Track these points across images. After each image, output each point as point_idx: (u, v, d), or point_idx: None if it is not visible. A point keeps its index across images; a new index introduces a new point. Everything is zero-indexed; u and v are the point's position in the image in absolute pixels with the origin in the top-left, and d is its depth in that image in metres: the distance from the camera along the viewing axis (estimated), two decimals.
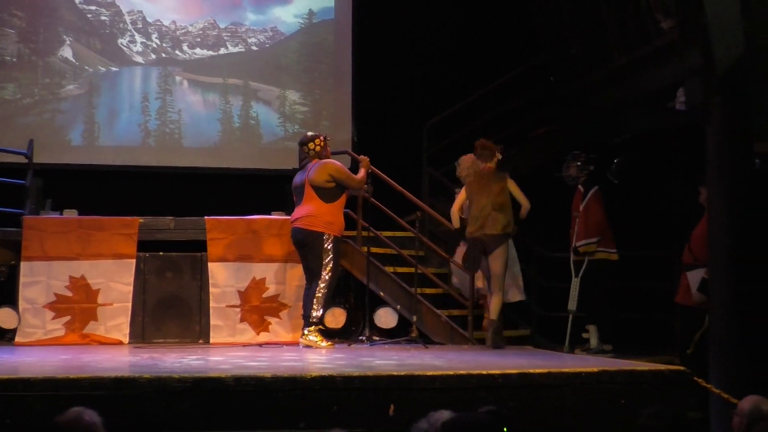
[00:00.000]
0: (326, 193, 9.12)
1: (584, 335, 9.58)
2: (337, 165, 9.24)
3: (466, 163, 9.92)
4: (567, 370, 6.54)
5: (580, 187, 9.76)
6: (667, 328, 9.59)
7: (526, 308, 10.55)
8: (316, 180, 9.10)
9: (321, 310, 9.02)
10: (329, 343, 9.05)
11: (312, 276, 9.13)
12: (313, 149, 9.27)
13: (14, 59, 11.36)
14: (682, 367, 6.88)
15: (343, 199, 9.24)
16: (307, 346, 8.95)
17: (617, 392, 6.44)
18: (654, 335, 10.05)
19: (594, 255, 9.55)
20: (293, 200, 9.40)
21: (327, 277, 9.01)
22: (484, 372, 6.41)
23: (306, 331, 9.03)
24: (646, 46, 9.86)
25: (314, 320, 8.99)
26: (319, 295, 8.98)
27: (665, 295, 9.57)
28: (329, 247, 9.03)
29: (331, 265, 9.03)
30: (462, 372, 6.38)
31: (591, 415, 6.37)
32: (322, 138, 9.35)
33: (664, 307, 9.72)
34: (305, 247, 9.14)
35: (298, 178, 9.35)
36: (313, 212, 9.07)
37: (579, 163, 9.76)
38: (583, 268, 9.57)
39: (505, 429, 3.78)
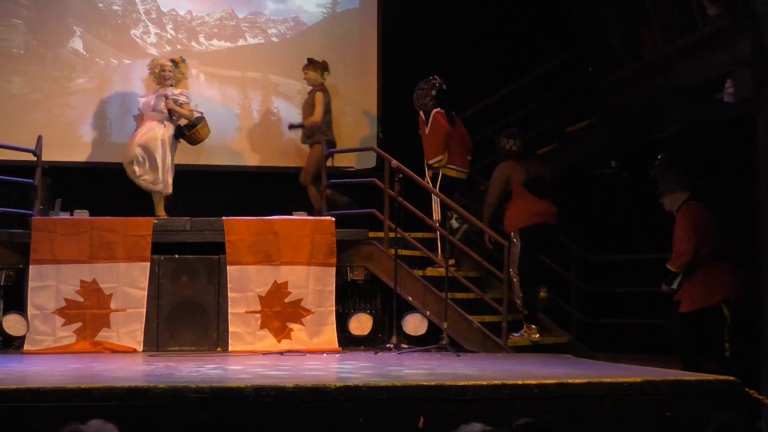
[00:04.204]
0: None
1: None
2: None
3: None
4: (607, 380, 6.50)
5: (421, 113, 10.51)
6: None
7: (565, 314, 10.51)
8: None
9: None
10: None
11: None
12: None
13: (22, 51, 11.37)
14: (731, 377, 6.81)
15: None
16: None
17: (662, 404, 6.40)
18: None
19: (446, 169, 10.46)
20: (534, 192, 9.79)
21: None
22: (519, 382, 6.38)
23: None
24: (692, 34, 9.81)
25: None
26: None
27: None
28: None
29: None
30: (496, 382, 6.36)
31: (634, 429, 6.33)
32: None
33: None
34: (549, 242, 9.90)
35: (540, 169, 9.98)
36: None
37: (421, 91, 10.50)
38: (439, 181, 10.40)
39: None
